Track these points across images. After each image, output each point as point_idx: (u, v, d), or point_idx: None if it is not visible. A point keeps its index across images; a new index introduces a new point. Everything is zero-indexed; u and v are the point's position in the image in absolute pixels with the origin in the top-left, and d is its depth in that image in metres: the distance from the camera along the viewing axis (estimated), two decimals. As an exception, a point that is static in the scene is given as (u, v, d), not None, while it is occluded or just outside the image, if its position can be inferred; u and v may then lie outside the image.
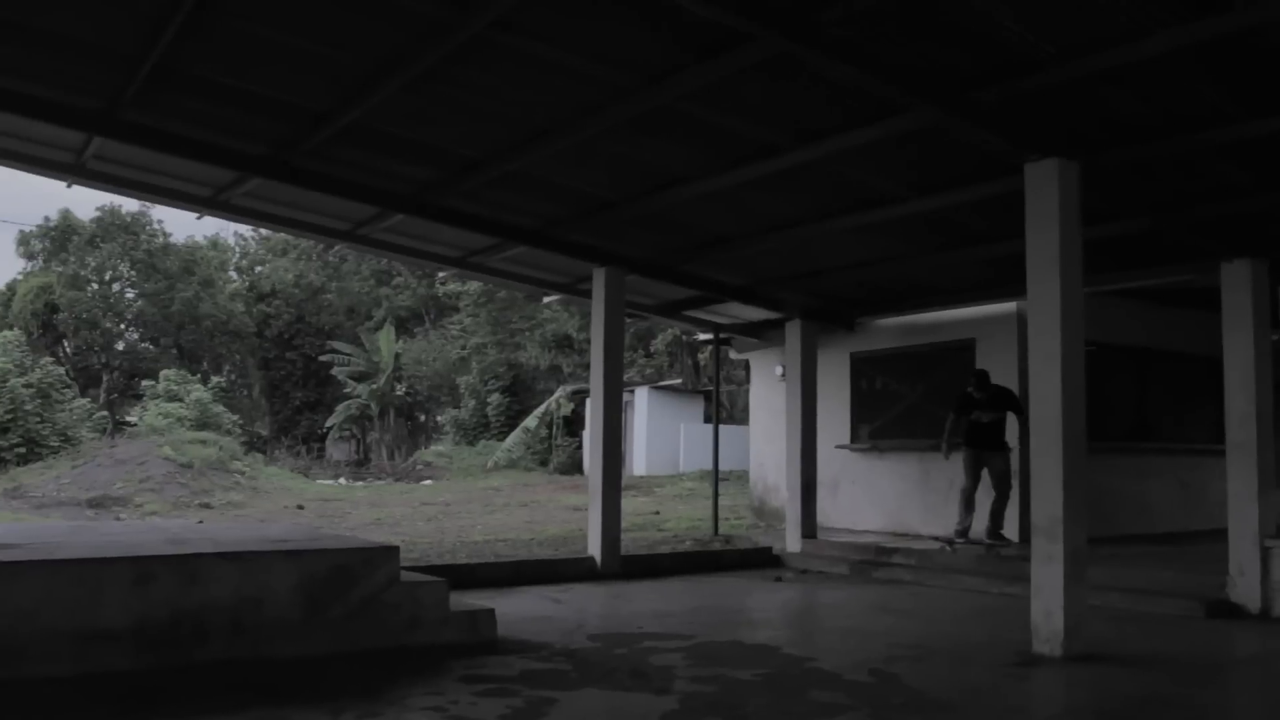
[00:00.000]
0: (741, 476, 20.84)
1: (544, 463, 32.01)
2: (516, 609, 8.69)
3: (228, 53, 7.59)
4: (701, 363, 35.07)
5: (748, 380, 18.69)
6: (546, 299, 15.92)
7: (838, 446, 14.38)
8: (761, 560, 12.91)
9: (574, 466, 31.14)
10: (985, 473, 11.57)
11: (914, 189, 9.17)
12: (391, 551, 6.98)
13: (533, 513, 19.29)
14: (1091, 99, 7.04)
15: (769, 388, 16.15)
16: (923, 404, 13.70)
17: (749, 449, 17.28)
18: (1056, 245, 7.16)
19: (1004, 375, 12.15)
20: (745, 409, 21.83)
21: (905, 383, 14.12)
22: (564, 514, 18.48)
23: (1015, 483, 11.36)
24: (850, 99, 7.39)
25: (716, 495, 15.20)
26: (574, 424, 32.61)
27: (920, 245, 10.87)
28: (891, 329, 14.07)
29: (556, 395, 33.44)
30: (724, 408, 20.71)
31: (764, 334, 14.94)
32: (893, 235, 10.51)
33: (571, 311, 34.10)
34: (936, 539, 11.93)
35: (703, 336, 17.25)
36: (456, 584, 7.65)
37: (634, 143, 8.65)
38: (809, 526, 13.05)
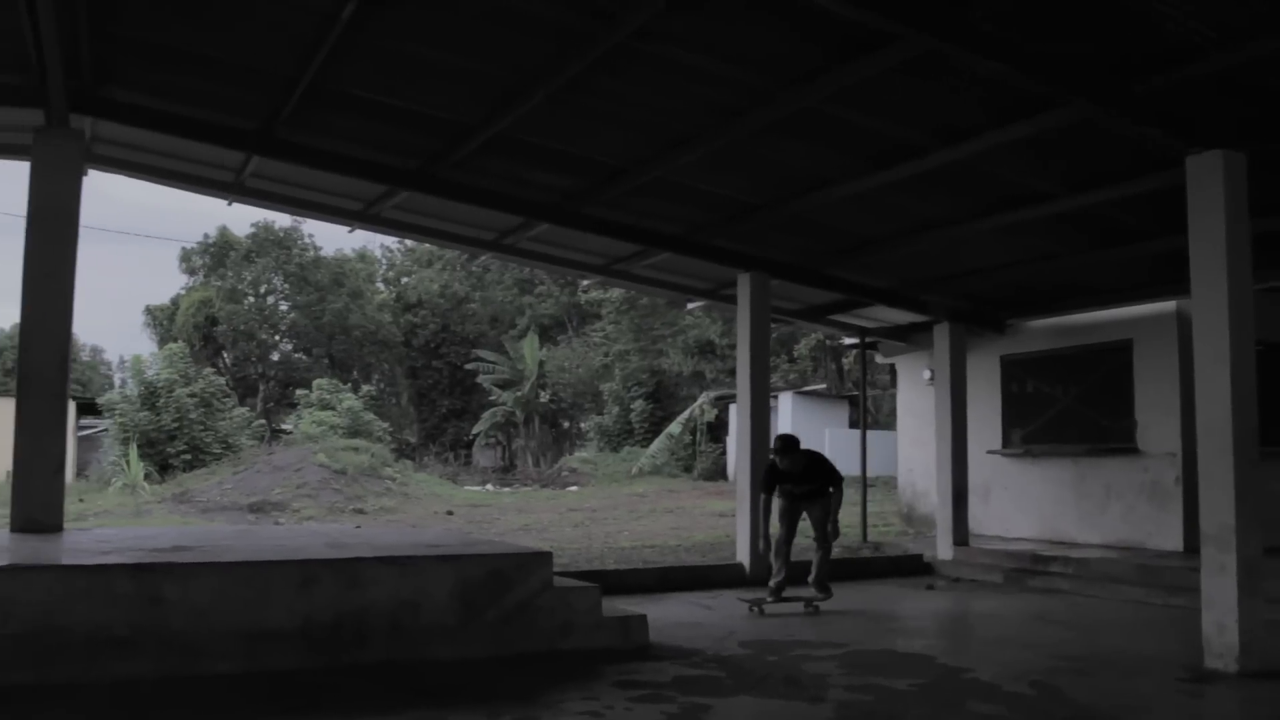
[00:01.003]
0: (888, 482, 20.51)
1: (688, 469, 32.01)
2: (666, 615, 8.71)
3: (378, 71, 7.80)
4: (845, 367, 34.67)
5: (893, 384, 18.40)
6: (690, 305, 15.94)
7: (989, 452, 14.03)
8: (912, 568, 12.69)
9: (718, 472, 31.07)
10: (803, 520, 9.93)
11: (1065, 186, 8.91)
12: (544, 557, 7.06)
13: (678, 519, 19.31)
14: (1258, 86, 6.73)
15: (916, 392, 15.86)
16: (1077, 407, 13.28)
17: (895, 454, 17.01)
18: (1223, 241, 6.83)
19: (1165, 378, 11.72)
20: (891, 414, 21.51)
21: (1058, 386, 13.70)
22: (710, 520, 18.45)
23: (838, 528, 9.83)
24: (998, 95, 7.23)
25: (865, 501, 14.99)
26: (717, 430, 32.56)
27: (1072, 244, 10.55)
28: (1043, 330, 13.68)
29: (700, 401, 33.42)
30: (869, 412, 20.41)
31: (911, 337, 14.69)
32: (1043, 234, 10.22)
33: (713, 317, 34.06)
34: (742, 600, 9.74)
35: (848, 341, 17.03)
36: (606, 590, 7.68)
37: (776, 146, 8.60)
38: (961, 533, 12.76)
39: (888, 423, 25.89)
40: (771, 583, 9.65)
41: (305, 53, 7.44)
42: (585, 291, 40.43)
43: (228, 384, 35.30)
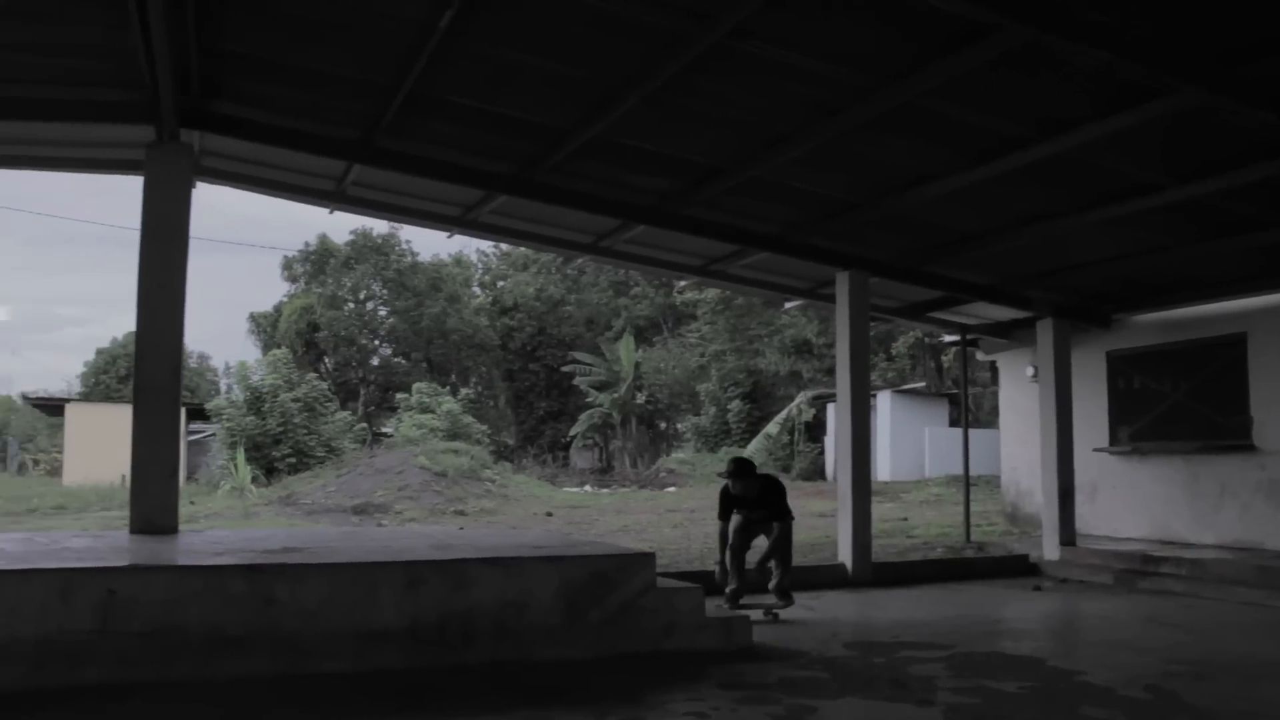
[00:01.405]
0: (990, 481, 20.15)
1: (786, 469, 31.82)
2: (768, 616, 8.68)
3: (474, 77, 7.89)
4: (945, 365, 34.16)
5: (994, 382, 18.09)
6: (787, 304, 15.87)
7: (1095, 450, 13.71)
8: (1018, 568, 12.46)
9: (817, 472, 30.85)
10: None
11: (1173, 176, 8.67)
12: (647, 558, 7.08)
13: (777, 519, 19.17)
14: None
15: (1019, 389, 15.57)
16: (1187, 403, 12.92)
17: (997, 453, 16.71)
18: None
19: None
20: (992, 411, 21.13)
21: (1167, 381, 13.33)
22: (809, 520, 18.28)
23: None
24: (1101, 85, 7.06)
25: (968, 501, 14.75)
26: (815, 430, 32.33)
27: (1181, 235, 10.26)
28: (1151, 325, 13.33)
29: (797, 401, 33.22)
30: (969, 411, 20.09)
31: (1013, 334, 14.42)
32: (1150, 226, 9.96)
33: (810, 316, 33.82)
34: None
35: (948, 338, 16.78)
36: (707, 591, 7.68)
37: (874, 143, 8.51)
38: (1068, 534, 12.49)
39: (989, 421, 25.43)
40: (727, 590, 9.04)
41: (404, 62, 7.56)
42: (680, 292, 40.47)
43: (329, 389, 36.00)
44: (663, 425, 48.63)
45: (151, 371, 8.36)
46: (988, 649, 7.59)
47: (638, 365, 41.38)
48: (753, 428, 36.09)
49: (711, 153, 9.11)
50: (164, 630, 5.85)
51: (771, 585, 9.13)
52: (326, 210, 11.34)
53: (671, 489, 29.64)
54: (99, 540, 7.97)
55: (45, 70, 8.03)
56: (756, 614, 8.61)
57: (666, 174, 9.65)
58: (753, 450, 32.83)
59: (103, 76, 8.21)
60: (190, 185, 8.86)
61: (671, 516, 20.05)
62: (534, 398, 48.97)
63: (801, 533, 15.76)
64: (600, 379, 41.25)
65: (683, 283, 17.96)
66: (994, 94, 7.43)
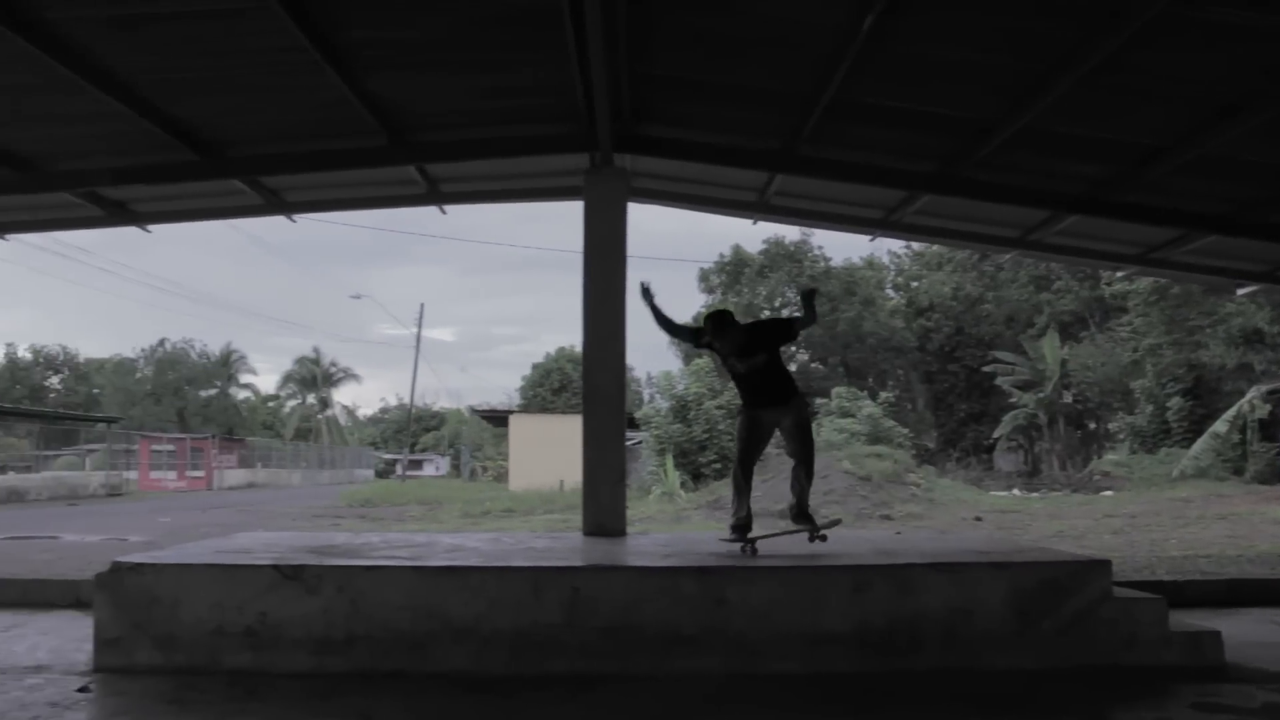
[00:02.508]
0: None
1: (1238, 471, 29.12)
2: (1238, 632, 7.88)
3: (895, 77, 7.82)
4: None
5: None
6: (1239, 291, 14.51)
7: None
8: None
9: (1274, 475, 27.99)
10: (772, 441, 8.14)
11: None
12: (1103, 566, 6.68)
13: (1233, 526, 17.56)
14: None
15: None
16: None
17: None
18: None
19: None
20: None
21: None
22: (1271, 529, 16.61)
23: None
24: None
25: None
26: (1271, 428, 29.36)
27: None
28: None
29: (1249, 396, 30.31)
30: None
31: None
32: None
33: (1260, 303, 30.78)
34: (723, 539, 7.76)
35: None
36: (1161, 601, 7.13)
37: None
38: None
39: None
40: (732, 521, 7.71)
41: (824, 70, 7.61)
42: (1108, 284, 38.11)
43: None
44: (1092, 425, 45.99)
45: (598, 382, 8.92)
46: None
47: (1064, 363, 39.42)
48: (1196, 426, 33.31)
49: (1152, 131, 8.51)
50: (623, 627, 6.20)
51: (790, 511, 7.87)
52: (750, 221, 11.64)
53: (1108, 492, 27.92)
54: (557, 541, 8.59)
55: (497, 113, 8.81)
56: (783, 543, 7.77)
57: (1101, 159, 9.11)
58: (1198, 451, 30.33)
59: (543, 113, 8.88)
60: (625, 206, 9.36)
61: (1110, 522, 18.84)
62: (954, 399, 47.85)
63: (1264, 541, 14.38)
64: (1023, 378, 39.66)
65: (1118, 274, 16.88)
66: None
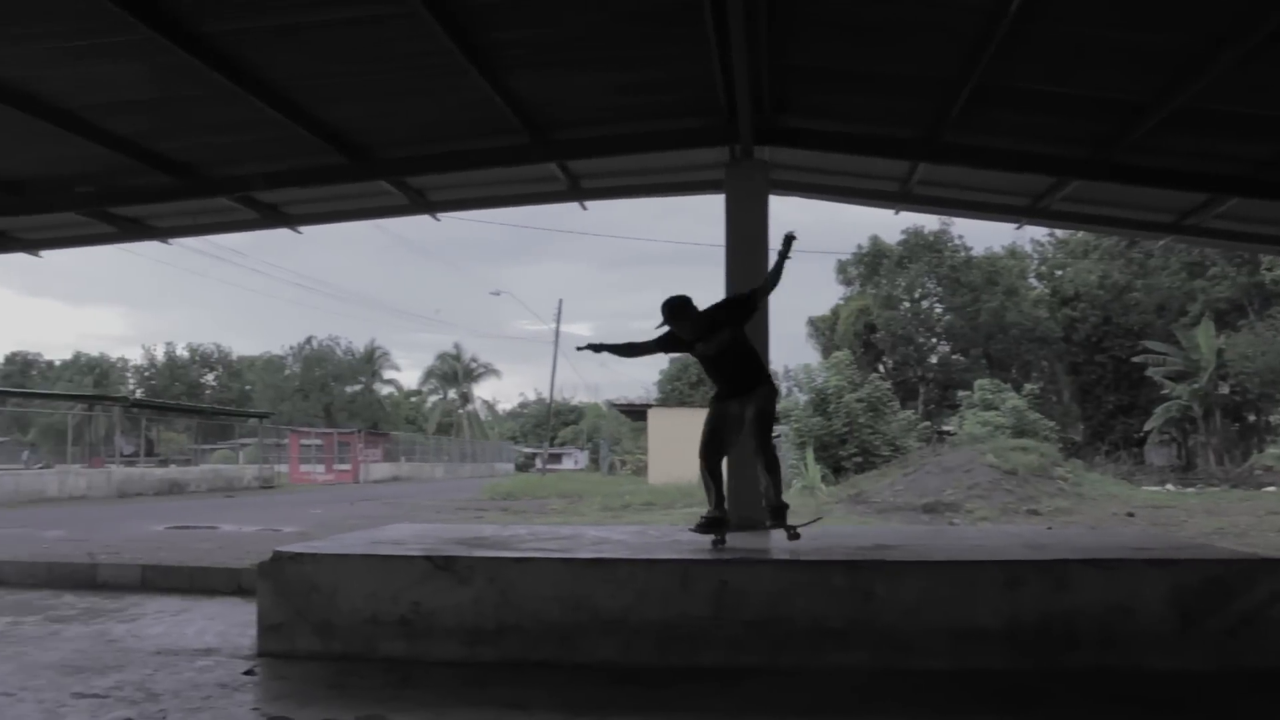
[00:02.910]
0: None
1: None
2: None
3: (1043, 60, 7.61)
4: None
5: None
6: None
7: None
8: None
9: None
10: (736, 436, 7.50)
11: None
12: (1273, 565, 6.42)
13: None
14: None
15: None
16: None
17: None
18: None
19: None
20: None
21: None
22: None
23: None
24: None
25: None
26: None
27: None
28: None
29: None
30: None
31: None
32: None
33: None
34: (690, 529, 7.72)
35: None
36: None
37: None
38: None
39: None
40: (704, 515, 7.48)
41: (970, 54, 7.45)
42: (1270, 270, 36.47)
43: (889, 388, 36.41)
44: (1252, 418, 44.04)
45: (743, 376, 8.90)
46: None
47: (1220, 352, 37.85)
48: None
49: (1321, 107, 8.11)
50: (771, 620, 6.19)
51: (766, 507, 7.44)
52: (892, 212, 11.48)
53: (1270, 489, 26.77)
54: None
55: (637, 108, 8.87)
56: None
57: (1267, 138, 8.71)
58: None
59: (683, 107, 8.91)
60: (767, 199, 9.33)
61: (1275, 519, 18.06)
62: (1101, 391, 46.42)
63: None
64: (1176, 369, 38.23)
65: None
66: None
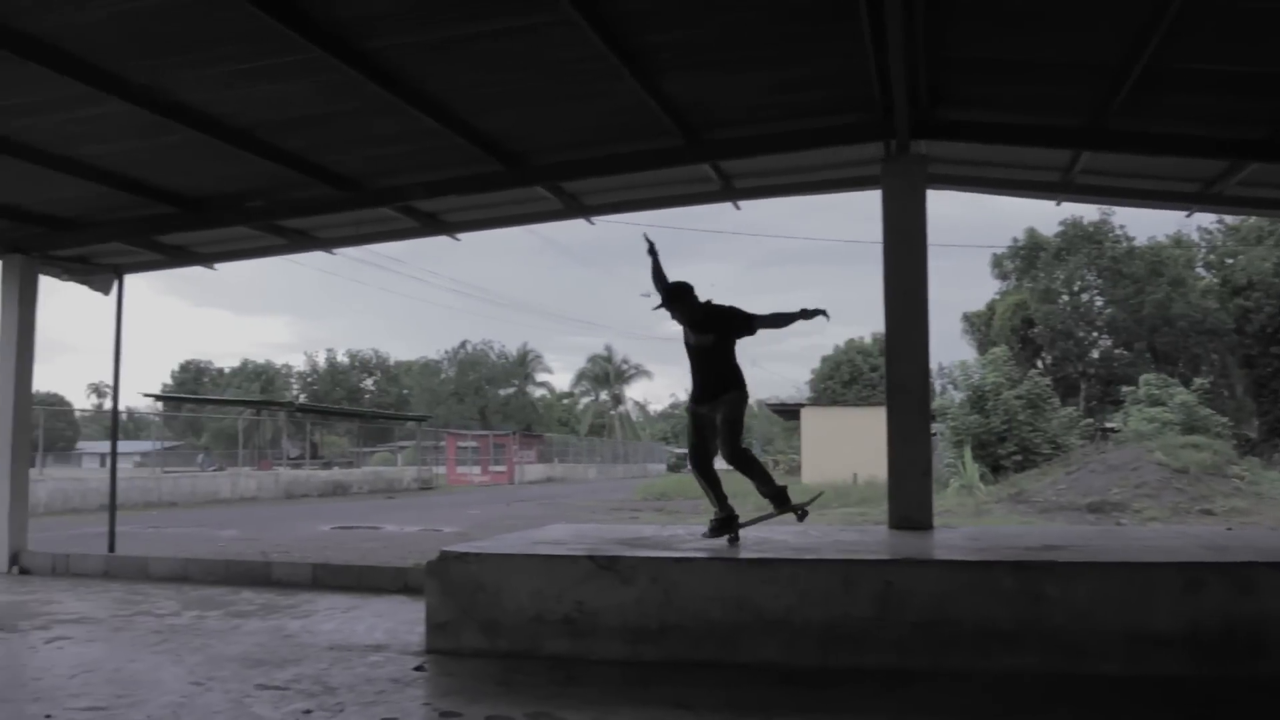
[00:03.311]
0: None
1: None
2: None
3: (1220, 36, 7.26)
4: None
5: None
6: None
7: None
8: None
9: None
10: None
11: None
12: None
13: None
14: None
15: None
16: None
17: None
18: None
19: None
20: None
21: None
22: None
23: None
24: None
25: None
26: None
27: None
28: None
29: None
30: None
31: None
32: None
33: None
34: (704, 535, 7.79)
35: None
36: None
37: None
38: None
39: None
40: (713, 519, 7.75)
41: (1137, 37, 7.17)
42: None
43: (1049, 384, 35.40)
44: None
45: (902, 374, 8.79)
46: None
47: None
48: None
49: None
50: (936, 622, 6.10)
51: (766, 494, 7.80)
52: (1053, 203, 11.15)
53: None
54: (864, 534, 8.55)
55: (790, 106, 8.80)
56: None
57: None
58: None
59: (837, 104, 8.81)
60: (924, 194, 9.16)
61: None
62: (1279, 385, 44.17)
63: None
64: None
65: None
66: None
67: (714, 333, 7.77)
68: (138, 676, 6.32)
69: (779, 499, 7.73)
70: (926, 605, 6.11)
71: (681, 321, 7.89)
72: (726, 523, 7.62)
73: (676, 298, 7.80)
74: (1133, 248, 46.89)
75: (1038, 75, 8.23)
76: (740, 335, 7.85)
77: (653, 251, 8.14)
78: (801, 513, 7.74)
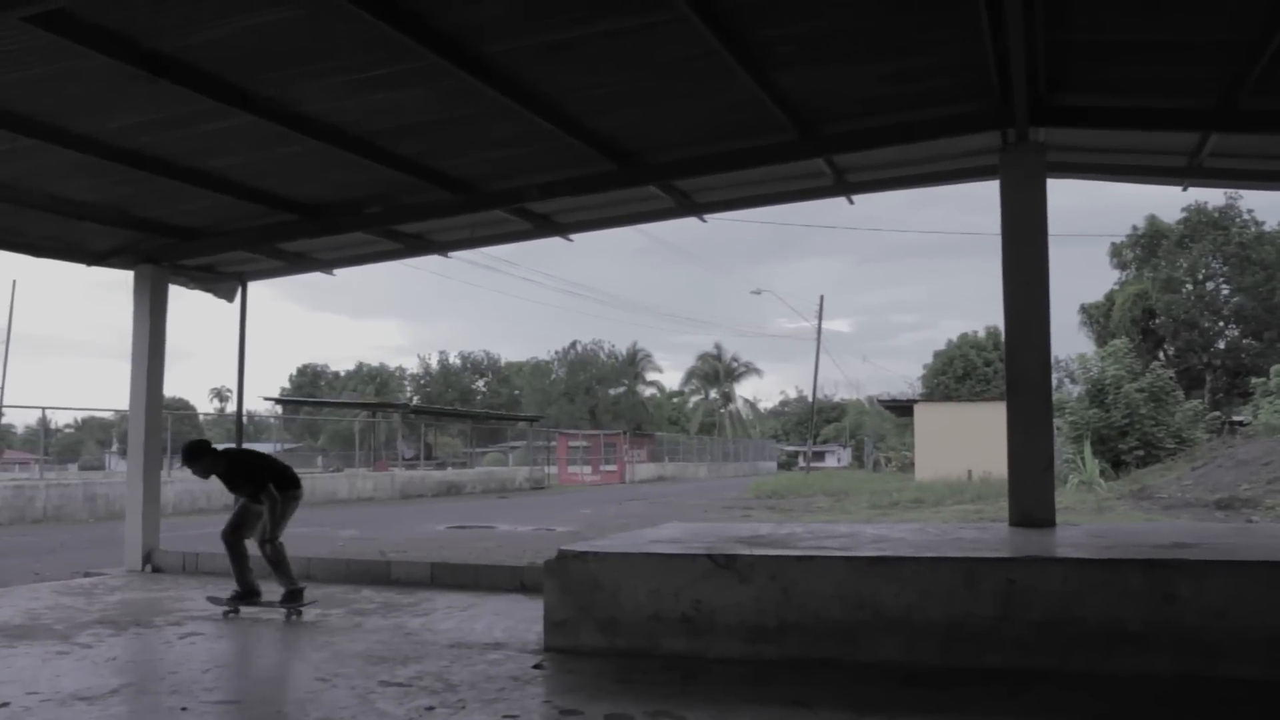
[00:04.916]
0: None
1: None
2: None
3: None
4: None
5: None
6: None
7: None
8: None
9: None
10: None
11: None
12: None
13: None
14: None
15: None
16: None
17: None
18: None
19: None
20: None
21: None
22: None
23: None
24: None
25: None
26: None
27: None
28: None
29: None
30: None
31: None
32: None
33: None
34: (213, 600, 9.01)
35: None
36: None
37: None
38: None
39: None
40: (239, 589, 8.88)
41: (1272, 10, 6.90)
42: None
43: (1172, 377, 34.36)
44: None
45: (1022, 367, 8.60)
46: None
47: None
48: None
49: None
50: (1061, 621, 5.95)
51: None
52: (1179, 188, 10.80)
53: None
54: (985, 532, 8.38)
55: (905, 97, 8.67)
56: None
57: None
58: None
59: (953, 93, 8.64)
60: (1044, 183, 8.95)
61: None
62: None
63: None
64: None
65: None
66: None
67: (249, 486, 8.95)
68: (266, 672, 6.51)
69: (294, 595, 8.71)
70: (1051, 604, 5.96)
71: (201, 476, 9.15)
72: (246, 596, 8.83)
73: (192, 458, 8.89)
74: (1262, 233, 45.25)
75: (1163, 56, 7.98)
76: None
77: None
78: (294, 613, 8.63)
